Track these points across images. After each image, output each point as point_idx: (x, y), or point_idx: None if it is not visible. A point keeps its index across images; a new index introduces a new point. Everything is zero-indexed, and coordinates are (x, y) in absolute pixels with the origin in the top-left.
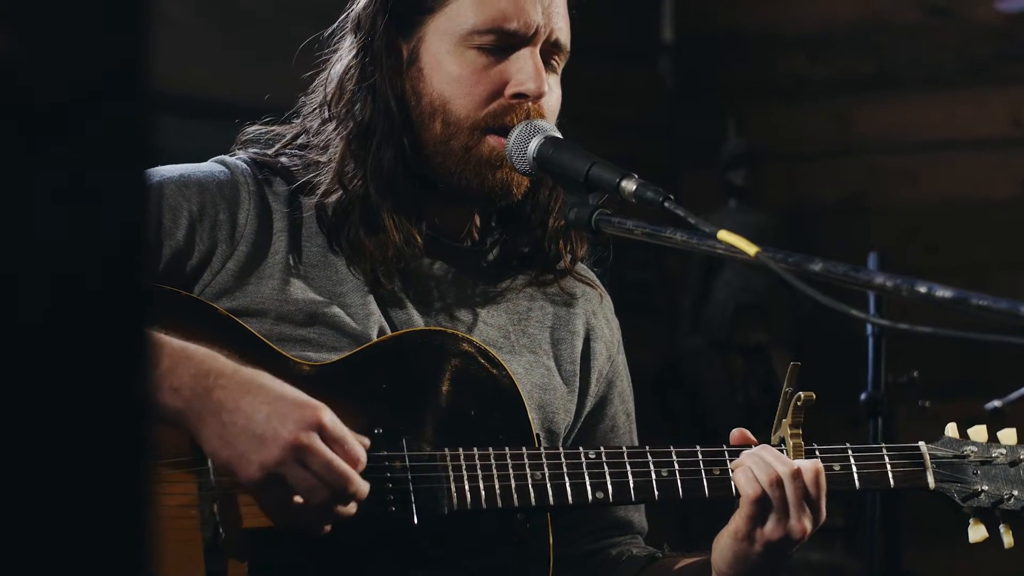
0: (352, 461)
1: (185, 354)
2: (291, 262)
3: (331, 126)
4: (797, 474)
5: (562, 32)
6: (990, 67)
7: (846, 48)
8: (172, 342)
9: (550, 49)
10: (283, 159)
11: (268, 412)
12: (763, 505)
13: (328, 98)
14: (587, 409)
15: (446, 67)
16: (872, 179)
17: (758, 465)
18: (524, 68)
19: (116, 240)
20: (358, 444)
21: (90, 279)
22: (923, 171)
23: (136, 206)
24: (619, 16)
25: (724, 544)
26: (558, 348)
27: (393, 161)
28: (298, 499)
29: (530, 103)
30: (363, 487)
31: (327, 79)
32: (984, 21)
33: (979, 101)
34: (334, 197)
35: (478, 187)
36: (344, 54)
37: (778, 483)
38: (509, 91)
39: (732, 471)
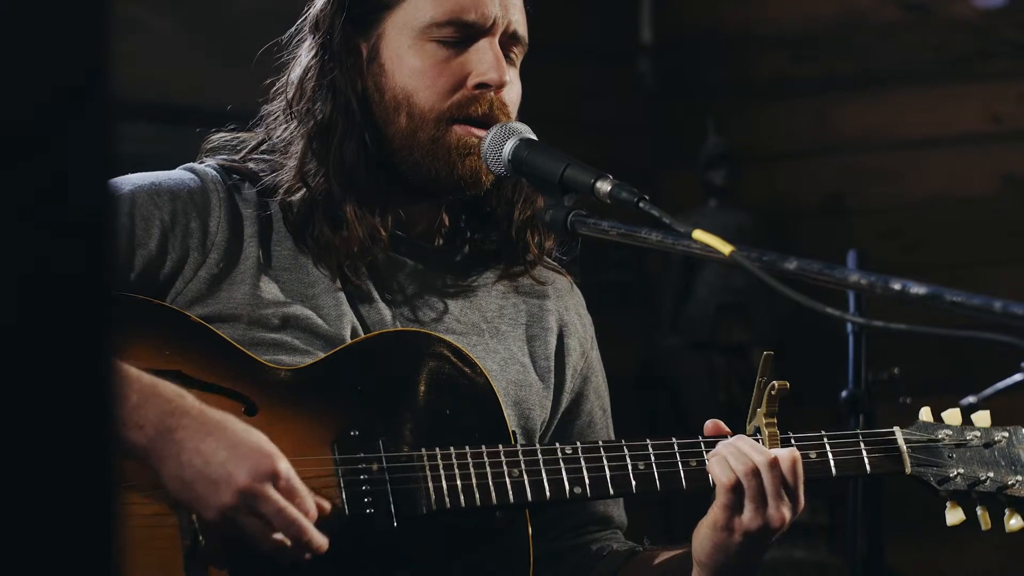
0: (302, 512)
1: (154, 391)
2: (262, 267)
3: (292, 125)
4: (774, 463)
5: (519, 24)
6: (969, 63)
7: (825, 47)
8: (142, 377)
9: (508, 41)
10: (251, 164)
11: (225, 457)
12: (739, 493)
13: (289, 99)
14: (563, 406)
15: (407, 61)
16: (853, 177)
17: (733, 455)
18: (484, 59)
19: (82, 256)
20: (311, 498)
21: (56, 295)
22: (903, 169)
23: (102, 222)
24: (598, 16)
25: (703, 535)
26: (532, 345)
27: (355, 157)
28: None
29: (492, 93)
30: (318, 538)
31: (287, 83)
32: (962, 17)
33: (958, 97)
34: (298, 195)
35: (447, 177)
36: (303, 55)
37: (754, 472)
38: (471, 82)
39: (708, 461)
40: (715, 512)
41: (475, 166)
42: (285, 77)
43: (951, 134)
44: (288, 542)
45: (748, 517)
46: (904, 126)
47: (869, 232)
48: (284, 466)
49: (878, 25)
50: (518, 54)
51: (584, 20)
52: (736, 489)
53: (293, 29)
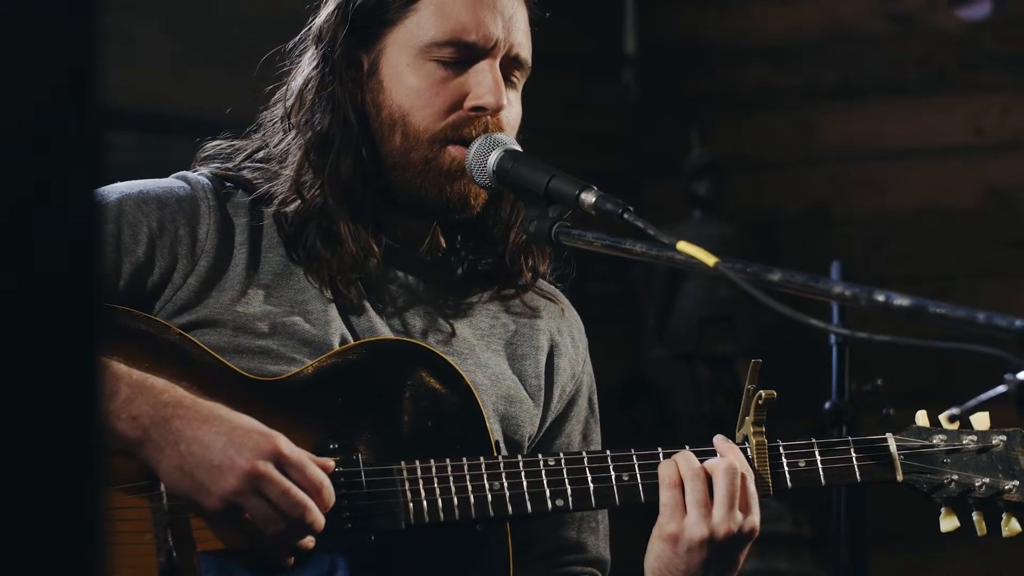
0: (313, 487)
1: (145, 385)
2: (251, 273)
3: (291, 136)
4: (726, 470)
5: (522, 47)
6: (953, 75)
7: (810, 58)
8: (132, 373)
9: (510, 64)
10: (245, 172)
11: (225, 442)
12: (677, 494)
13: (288, 109)
14: (547, 425)
15: (406, 79)
16: (837, 188)
17: (683, 457)
18: (483, 81)
19: (66, 261)
20: (318, 469)
21: (43, 301)
22: (888, 180)
23: (89, 230)
24: (582, 27)
25: (650, 544)
26: (522, 363)
27: (351, 171)
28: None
29: (489, 116)
30: (319, 518)
31: (287, 92)
32: (947, 29)
33: (943, 109)
34: (292, 206)
35: (436, 198)
36: (305, 66)
37: (696, 476)
38: (468, 104)
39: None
40: (660, 517)
41: (464, 189)
42: (286, 86)
43: (935, 145)
44: (292, 525)
45: (691, 522)
46: (888, 137)
47: (853, 243)
48: (285, 444)
49: (862, 36)
50: (519, 77)
51: (568, 31)
52: (675, 489)
53: (297, 38)
